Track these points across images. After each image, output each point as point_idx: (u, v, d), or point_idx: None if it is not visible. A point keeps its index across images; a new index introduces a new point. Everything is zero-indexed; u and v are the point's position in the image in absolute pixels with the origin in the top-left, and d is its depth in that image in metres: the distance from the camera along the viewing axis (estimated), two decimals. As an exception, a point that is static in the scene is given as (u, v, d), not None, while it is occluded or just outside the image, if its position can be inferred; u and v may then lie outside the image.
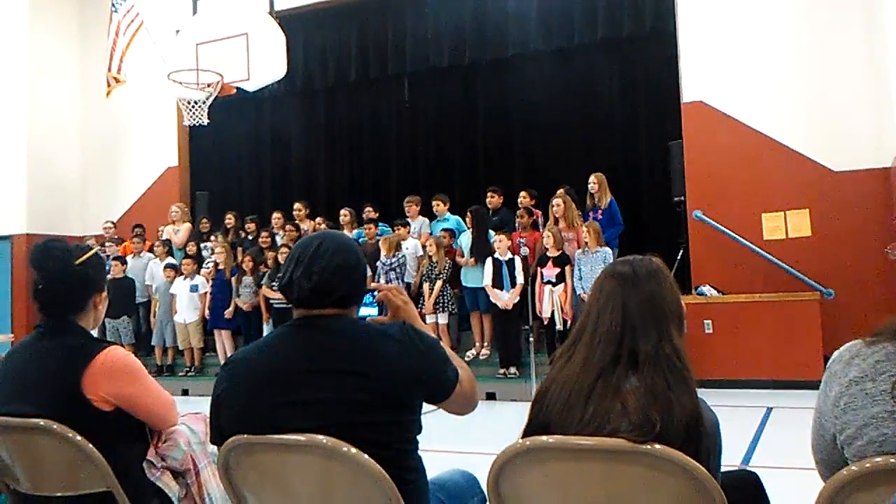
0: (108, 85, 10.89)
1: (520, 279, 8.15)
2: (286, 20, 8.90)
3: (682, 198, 9.10)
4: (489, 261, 8.33)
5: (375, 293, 2.14)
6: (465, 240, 8.80)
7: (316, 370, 1.81)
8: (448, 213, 9.39)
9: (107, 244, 10.90)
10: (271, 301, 9.30)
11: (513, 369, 8.18)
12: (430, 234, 9.28)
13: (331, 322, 1.88)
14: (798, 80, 8.74)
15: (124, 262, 10.25)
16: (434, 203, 9.43)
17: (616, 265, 1.87)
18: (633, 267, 1.82)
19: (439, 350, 1.94)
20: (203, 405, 2.10)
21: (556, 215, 8.52)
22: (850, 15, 8.53)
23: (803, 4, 8.76)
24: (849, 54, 8.53)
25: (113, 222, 11.74)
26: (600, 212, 8.54)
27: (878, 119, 8.27)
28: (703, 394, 1.70)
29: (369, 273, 8.79)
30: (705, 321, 8.13)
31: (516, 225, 8.84)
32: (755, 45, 8.93)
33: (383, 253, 8.86)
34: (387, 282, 8.72)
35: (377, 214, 9.96)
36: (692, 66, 9.25)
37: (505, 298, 8.18)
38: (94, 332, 2.40)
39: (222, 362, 9.65)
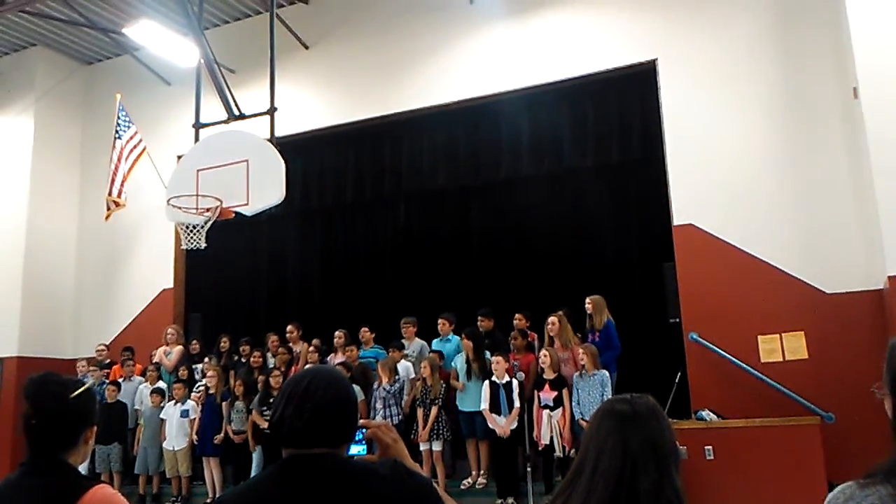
0: (108, 208, 11.08)
1: (517, 403, 8.02)
2: (285, 145, 9.12)
3: (678, 319, 9.11)
4: (486, 384, 8.22)
5: (364, 430, 2.10)
6: (460, 362, 8.72)
7: None
8: (452, 334, 9.37)
9: (91, 369, 10.75)
10: (260, 428, 9.09)
11: (511, 500, 7.91)
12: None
13: (321, 462, 1.84)
14: (785, 203, 8.93)
15: (118, 387, 10.10)
16: (440, 322, 9.44)
17: (614, 403, 1.86)
18: (632, 406, 1.81)
19: (431, 490, 1.90)
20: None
21: (551, 334, 8.47)
22: (834, 139, 8.80)
23: (787, 129, 9.04)
24: (834, 177, 8.75)
25: (106, 345, 11.65)
26: (597, 334, 8.51)
27: (867, 241, 8.40)
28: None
29: (361, 396, 8.66)
30: (706, 447, 7.93)
31: (511, 347, 8.78)
32: (742, 169, 9.16)
33: (385, 380, 8.74)
34: (385, 409, 8.57)
35: (373, 335, 9.94)
36: (681, 190, 9.46)
37: (502, 424, 8.03)
38: (83, 465, 2.34)
39: (209, 491, 9.37)
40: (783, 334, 8.62)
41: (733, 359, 8.59)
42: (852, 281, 8.48)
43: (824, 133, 8.88)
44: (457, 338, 9.27)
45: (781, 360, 8.59)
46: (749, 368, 8.52)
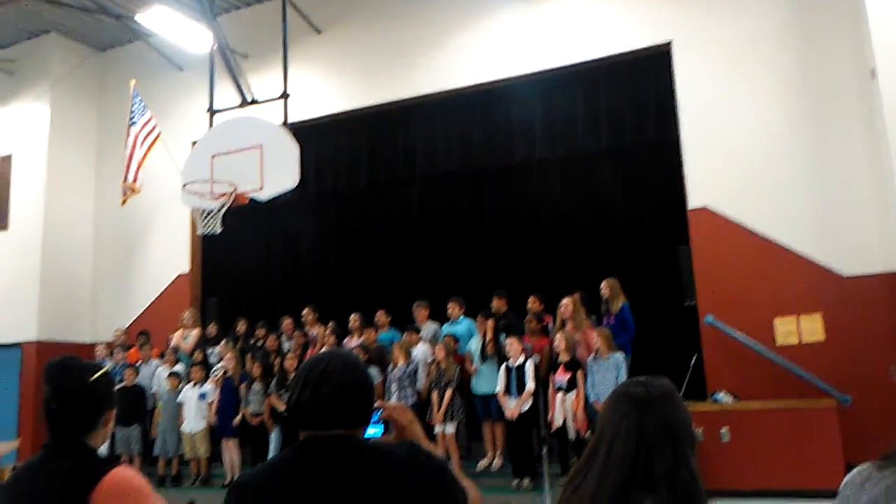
0: (124, 194, 11.11)
1: (529, 384, 8.03)
2: (299, 130, 9.13)
3: (694, 302, 9.08)
4: (503, 368, 8.24)
5: (380, 411, 2.11)
6: (474, 345, 8.73)
7: (324, 499, 1.78)
8: (462, 317, 9.38)
9: (115, 351, 10.89)
10: (277, 410, 9.17)
11: (526, 480, 7.96)
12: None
13: (338, 443, 1.86)
14: (801, 185, 8.86)
15: (136, 370, 10.20)
16: (449, 306, 9.44)
17: (629, 386, 1.84)
18: (647, 389, 1.79)
19: (447, 471, 1.92)
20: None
21: (564, 316, 8.45)
22: (850, 120, 8.72)
23: (803, 111, 8.97)
24: (851, 159, 8.67)
25: (123, 329, 11.76)
26: (612, 317, 8.49)
27: (884, 223, 8.33)
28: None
29: (378, 378, 8.71)
30: (722, 429, 7.94)
31: (525, 329, 8.78)
32: (757, 151, 9.09)
33: (401, 361, 8.77)
34: (400, 390, 8.61)
35: (388, 318, 9.96)
36: (696, 173, 9.40)
37: (511, 407, 8.05)
38: (104, 447, 2.37)
39: (228, 473, 9.45)
40: (800, 316, 8.58)
41: (749, 341, 8.56)
42: (869, 263, 8.43)
43: (841, 115, 8.79)
44: (467, 320, 9.27)
45: (798, 342, 8.56)
46: (765, 351, 8.50)
